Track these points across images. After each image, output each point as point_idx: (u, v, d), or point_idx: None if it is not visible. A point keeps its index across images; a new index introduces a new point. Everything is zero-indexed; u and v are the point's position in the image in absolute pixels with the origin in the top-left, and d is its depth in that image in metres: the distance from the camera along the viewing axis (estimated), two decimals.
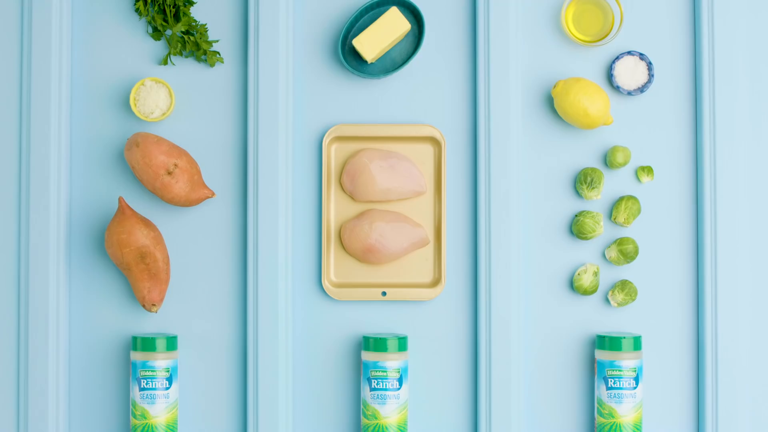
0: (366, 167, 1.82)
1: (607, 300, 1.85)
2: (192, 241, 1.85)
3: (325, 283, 1.84)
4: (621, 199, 1.84)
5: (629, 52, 1.84)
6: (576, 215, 1.84)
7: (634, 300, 1.84)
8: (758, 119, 1.84)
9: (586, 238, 1.83)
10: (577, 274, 1.84)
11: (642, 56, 1.84)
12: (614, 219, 1.84)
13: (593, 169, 1.83)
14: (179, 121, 1.86)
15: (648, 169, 1.84)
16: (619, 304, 1.84)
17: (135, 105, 1.81)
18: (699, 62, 1.84)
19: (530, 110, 1.86)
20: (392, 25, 1.81)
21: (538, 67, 1.86)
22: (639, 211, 1.84)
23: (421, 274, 1.85)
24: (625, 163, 1.84)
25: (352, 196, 1.85)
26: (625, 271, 1.86)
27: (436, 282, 1.84)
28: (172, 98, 1.81)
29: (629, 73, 1.85)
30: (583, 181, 1.83)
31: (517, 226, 1.82)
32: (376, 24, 1.81)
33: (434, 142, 1.85)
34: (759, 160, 1.84)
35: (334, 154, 1.86)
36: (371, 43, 1.81)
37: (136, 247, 1.73)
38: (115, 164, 1.85)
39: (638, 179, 1.85)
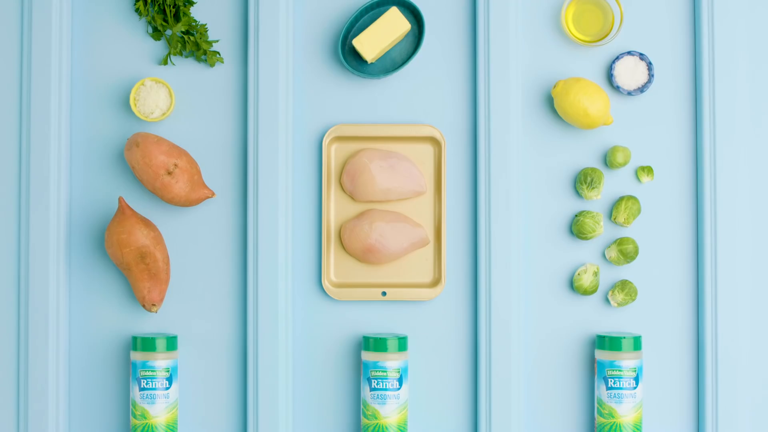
0: (366, 167, 1.82)
1: (607, 300, 1.85)
2: (192, 241, 1.85)
3: (325, 283, 1.83)
4: (621, 199, 1.84)
5: (629, 52, 1.84)
6: (576, 215, 1.84)
7: (634, 300, 1.84)
8: (758, 118, 1.84)
9: (586, 238, 1.83)
10: (577, 274, 1.84)
11: (642, 56, 1.84)
12: (614, 219, 1.84)
13: (593, 169, 1.83)
14: (179, 121, 1.86)
15: (648, 169, 1.84)
16: (619, 304, 1.84)
17: (135, 105, 1.81)
18: (699, 62, 1.84)
19: (530, 110, 1.86)
20: (392, 25, 1.81)
21: (538, 67, 1.86)
22: (639, 211, 1.84)
23: (421, 274, 1.85)
24: (625, 163, 1.84)
25: (352, 196, 1.85)
26: (625, 271, 1.86)
27: (436, 282, 1.84)
28: (172, 98, 1.81)
29: (629, 73, 1.84)
30: (583, 181, 1.83)
31: (517, 226, 1.81)
32: (376, 24, 1.81)
33: (434, 142, 1.85)
34: (759, 159, 1.84)
35: (334, 154, 1.86)
36: (371, 43, 1.81)
37: (136, 247, 1.73)
38: (115, 164, 1.85)
39: (638, 179, 1.85)
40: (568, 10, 1.84)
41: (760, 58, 1.85)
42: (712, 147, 1.82)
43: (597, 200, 1.85)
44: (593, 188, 1.83)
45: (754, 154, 1.84)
